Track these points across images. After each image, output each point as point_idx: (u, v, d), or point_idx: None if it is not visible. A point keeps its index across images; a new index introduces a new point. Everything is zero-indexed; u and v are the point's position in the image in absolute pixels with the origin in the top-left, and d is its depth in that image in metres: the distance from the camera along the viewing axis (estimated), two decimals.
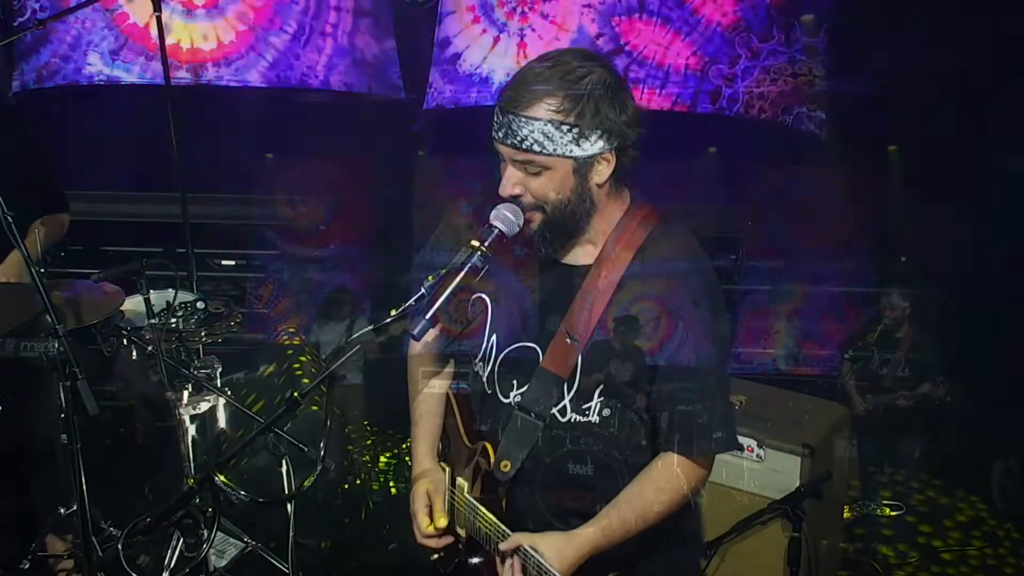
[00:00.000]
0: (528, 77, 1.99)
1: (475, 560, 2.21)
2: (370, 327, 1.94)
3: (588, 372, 2.09)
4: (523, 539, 2.03)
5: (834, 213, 5.56)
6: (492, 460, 2.17)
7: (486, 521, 2.17)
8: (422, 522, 2.27)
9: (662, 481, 2.08)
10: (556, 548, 2.00)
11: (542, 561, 1.97)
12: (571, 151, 1.98)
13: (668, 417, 2.08)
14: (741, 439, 3.61)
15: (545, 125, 1.95)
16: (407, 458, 4.88)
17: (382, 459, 5.05)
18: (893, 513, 4.66)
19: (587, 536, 2.03)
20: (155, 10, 4.01)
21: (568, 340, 2.08)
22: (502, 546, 2.05)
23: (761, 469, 3.59)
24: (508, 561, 2.05)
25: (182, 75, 6.11)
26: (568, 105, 1.95)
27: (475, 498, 2.22)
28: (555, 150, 1.97)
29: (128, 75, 6.20)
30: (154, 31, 4.64)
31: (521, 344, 2.16)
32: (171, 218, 4.27)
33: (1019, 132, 4.59)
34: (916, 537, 4.51)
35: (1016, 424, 4.61)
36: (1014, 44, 4.84)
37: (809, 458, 3.52)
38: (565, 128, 1.96)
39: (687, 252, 2.12)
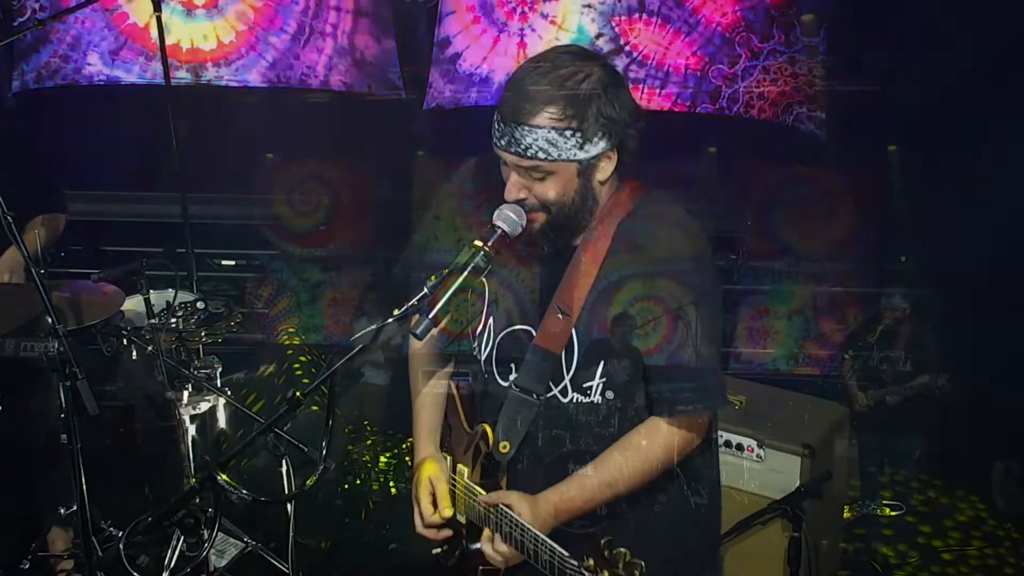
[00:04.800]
0: (526, 83, 1.99)
1: (476, 546, 2.18)
2: (372, 327, 1.93)
3: (584, 347, 2.08)
4: (500, 498, 2.05)
5: (834, 213, 5.55)
6: (491, 442, 2.16)
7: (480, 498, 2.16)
8: (426, 510, 2.24)
9: (634, 447, 2.08)
10: (527, 507, 2.02)
11: (514, 517, 2.00)
12: (575, 155, 1.98)
13: (652, 379, 2.07)
14: (741, 439, 3.63)
15: (549, 132, 1.95)
16: (407, 458, 4.88)
17: (382, 459, 5.04)
18: (893, 513, 4.65)
19: (547, 498, 2.05)
20: (155, 10, 4.01)
21: (560, 315, 2.09)
22: (481, 498, 2.06)
23: (761, 469, 3.59)
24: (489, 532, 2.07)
25: (182, 75, 6.11)
26: (570, 111, 1.96)
27: (475, 482, 2.20)
28: (560, 156, 1.97)
29: (128, 75, 6.19)
30: (154, 31, 4.63)
31: (517, 327, 2.17)
32: (171, 218, 4.26)
33: (1019, 132, 4.59)
34: (916, 537, 4.51)
35: (1016, 424, 4.61)
36: (1014, 44, 4.84)
37: (809, 458, 3.53)
38: (568, 134, 1.96)
39: (671, 218, 2.12)
